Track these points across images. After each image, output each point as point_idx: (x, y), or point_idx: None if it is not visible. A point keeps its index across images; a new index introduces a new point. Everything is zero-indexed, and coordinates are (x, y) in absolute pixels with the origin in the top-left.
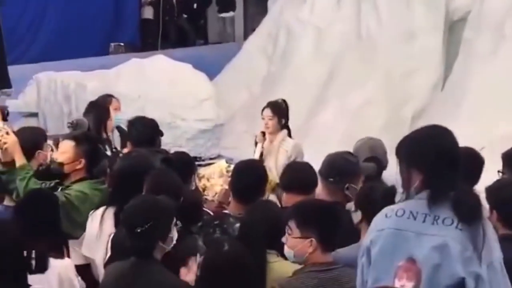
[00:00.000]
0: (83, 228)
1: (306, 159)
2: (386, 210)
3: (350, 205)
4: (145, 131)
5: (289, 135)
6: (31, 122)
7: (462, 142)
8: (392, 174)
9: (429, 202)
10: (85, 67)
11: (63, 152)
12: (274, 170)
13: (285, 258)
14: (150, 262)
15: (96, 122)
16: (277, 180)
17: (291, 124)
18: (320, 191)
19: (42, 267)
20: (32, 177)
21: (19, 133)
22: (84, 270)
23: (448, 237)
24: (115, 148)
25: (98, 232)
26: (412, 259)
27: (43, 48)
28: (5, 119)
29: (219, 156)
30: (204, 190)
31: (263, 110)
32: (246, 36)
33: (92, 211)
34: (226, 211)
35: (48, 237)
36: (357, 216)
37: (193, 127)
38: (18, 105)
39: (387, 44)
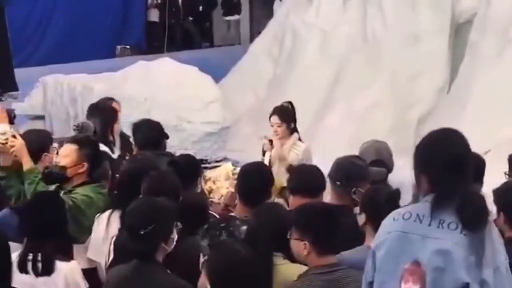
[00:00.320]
0: (89, 232)
1: (313, 162)
2: (394, 213)
3: (357, 209)
4: (150, 134)
5: (299, 138)
6: (38, 125)
7: None
8: (397, 177)
9: (433, 206)
10: (92, 69)
11: (66, 155)
12: (283, 174)
13: (292, 261)
14: (152, 264)
15: (103, 125)
16: (284, 184)
17: (297, 127)
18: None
19: (48, 270)
20: (40, 181)
21: (25, 136)
22: (90, 274)
23: (452, 242)
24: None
25: (105, 235)
26: (417, 262)
27: (49, 50)
28: (12, 122)
29: (225, 159)
30: (210, 192)
31: (270, 116)
32: (252, 38)
33: (98, 214)
34: (232, 214)
35: (54, 240)
36: (361, 219)
37: (199, 130)
38: (24, 108)
39: (393, 46)
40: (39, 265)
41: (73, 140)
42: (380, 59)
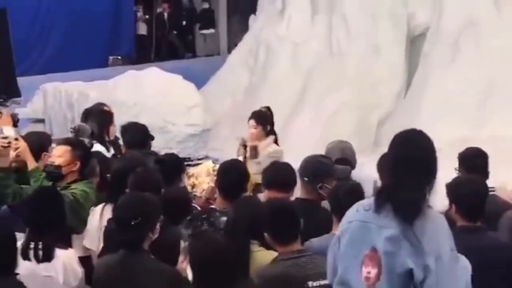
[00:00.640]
0: (86, 223)
1: (285, 160)
2: (357, 205)
3: (325, 202)
4: (137, 135)
5: (276, 141)
6: (38, 128)
7: None
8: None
9: (377, 200)
10: (87, 78)
11: (59, 156)
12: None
13: (267, 248)
14: (139, 252)
15: (100, 127)
16: (258, 180)
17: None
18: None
19: (48, 257)
20: (44, 179)
21: (27, 137)
22: (85, 261)
23: (399, 230)
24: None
25: (98, 225)
26: (375, 248)
27: (49, 61)
28: (15, 125)
29: (206, 157)
30: (193, 187)
31: (249, 119)
32: (229, 50)
33: (92, 207)
34: (212, 206)
35: (54, 230)
36: None
37: (183, 132)
38: (26, 113)
39: (355, 57)
40: (40, 252)
41: (65, 142)
42: (344, 68)
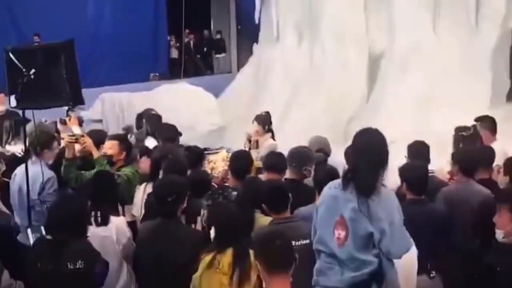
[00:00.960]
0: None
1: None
2: (331, 183)
3: (307, 180)
4: (169, 132)
5: (273, 137)
6: (97, 126)
7: None
8: (333, 160)
9: (343, 180)
10: (133, 89)
11: (110, 148)
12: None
13: (266, 215)
14: (174, 220)
15: (152, 126)
16: (259, 165)
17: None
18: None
19: (105, 222)
20: (107, 165)
21: (90, 134)
22: (132, 225)
23: (359, 202)
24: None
25: (141, 199)
26: (342, 216)
27: (105, 77)
28: (81, 125)
29: (221, 148)
30: (211, 170)
31: (253, 121)
32: (238, 69)
33: (138, 185)
34: (226, 184)
35: (109, 202)
36: None
37: (204, 129)
38: (89, 115)
39: (330, 72)
40: (99, 219)
41: (114, 137)
42: (322, 81)
